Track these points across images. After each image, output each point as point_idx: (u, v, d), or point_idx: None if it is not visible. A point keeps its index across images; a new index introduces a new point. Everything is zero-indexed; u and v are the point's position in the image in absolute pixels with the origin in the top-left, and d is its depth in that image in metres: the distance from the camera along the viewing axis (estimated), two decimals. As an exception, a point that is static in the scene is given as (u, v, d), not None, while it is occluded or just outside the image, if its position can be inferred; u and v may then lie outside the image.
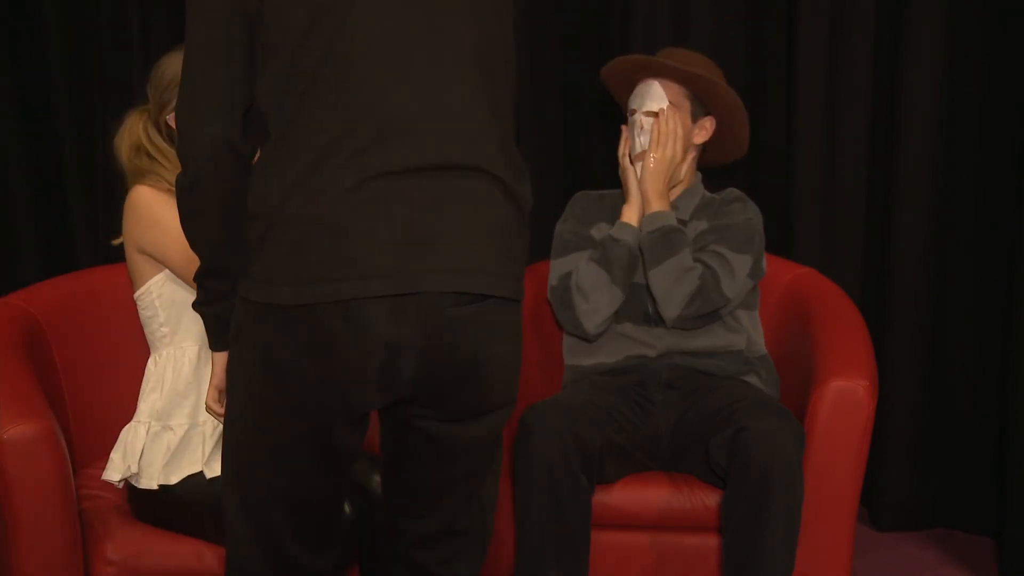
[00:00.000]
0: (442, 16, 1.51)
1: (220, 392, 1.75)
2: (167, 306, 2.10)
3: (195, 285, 1.66)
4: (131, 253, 2.12)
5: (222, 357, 1.71)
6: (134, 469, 2.07)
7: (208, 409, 1.80)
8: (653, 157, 2.41)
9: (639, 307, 2.43)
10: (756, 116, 2.93)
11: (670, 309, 2.35)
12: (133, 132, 2.14)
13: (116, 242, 2.20)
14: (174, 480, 2.04)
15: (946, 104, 2.76)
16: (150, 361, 2.15)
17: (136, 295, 2.14)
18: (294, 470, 1.58)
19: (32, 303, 2.32)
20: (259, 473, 1.59)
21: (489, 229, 1.52)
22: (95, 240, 2.91)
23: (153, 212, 2.06)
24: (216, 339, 1.70)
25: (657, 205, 2.41)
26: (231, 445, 1.62)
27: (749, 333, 2.44)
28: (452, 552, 1.71)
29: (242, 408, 1.58)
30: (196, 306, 1.67)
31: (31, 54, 2.90)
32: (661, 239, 2.37)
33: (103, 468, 2.15)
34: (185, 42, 1.53)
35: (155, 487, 2.05)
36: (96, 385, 2.34)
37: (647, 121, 2.45)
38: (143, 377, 2.15)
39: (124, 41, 2.91)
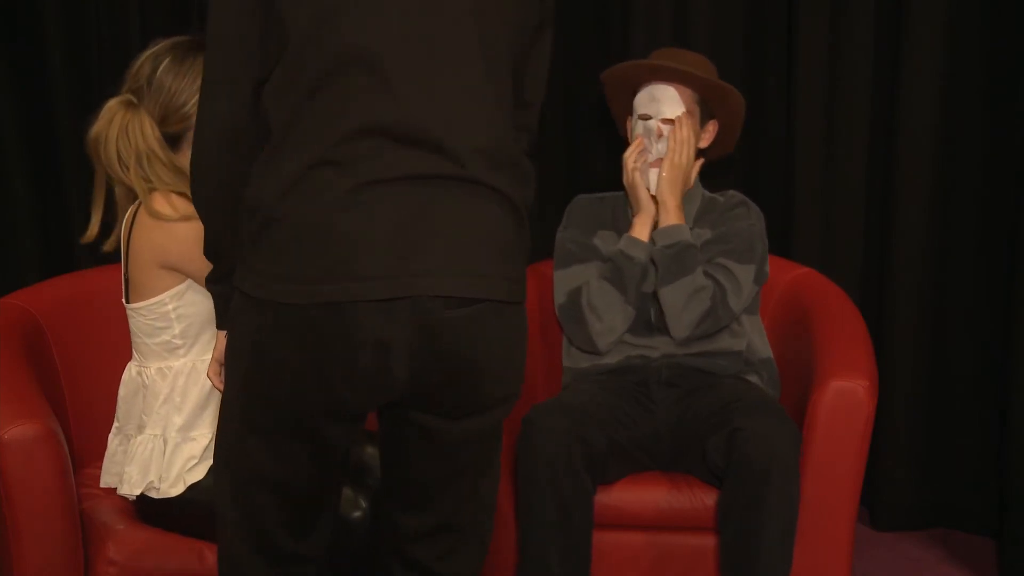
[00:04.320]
0: (448, 25, 1.52)
1: (220, 365, 1.77)
2: (186, 318, 2.04)
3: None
4: (148, 266, 2.03)
5: (224, 333, 1.74)
6: (156, 483, 2.03)
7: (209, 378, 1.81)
8: (670, 166, 2.39)
9: (642, 316, 2.43)
10: (756, 116, 2.93)
11: (680, 329, 2.35)
12: (137, 135, 2.00)
13: (110, 248, 2.13)
14: (191, 480, 2.03)
15: (946, 104, 2.76)
16: (154, 373, 2.07)
17: (140, 305, 2.05)
18: (281, 456, 1.60)
19: (32, 303, 2.32)
20: (247, 455, 1.61)
21: (482, 233, 1.53)
22: (95, 241, 2.90)
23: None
24: (220, 317, 1.74)
25: (674, 217, 2.40)
26: (225, 423, 1.65)
27: (750, 336, 2.44)
28: (450, 548, 1.72)
29: (235, 391, 1.61)
30: (206, 282, 1.73)
31: (31, 58, 2.90)
32: (675, 257, 2.35)
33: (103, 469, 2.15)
34: (206, 31, 1.56)
35: (177, 493, 2.03)
36: (96, 385, 2.33)
37: (665, 128, 2.41)
38: (142, 385, 2.09)
39: (124, 42, 2.91)
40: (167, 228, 1.98)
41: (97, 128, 2.03)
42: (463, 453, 1.65)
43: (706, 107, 2.47)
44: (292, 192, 1.48)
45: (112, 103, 2.04)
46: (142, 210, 2.02)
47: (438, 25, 1.51)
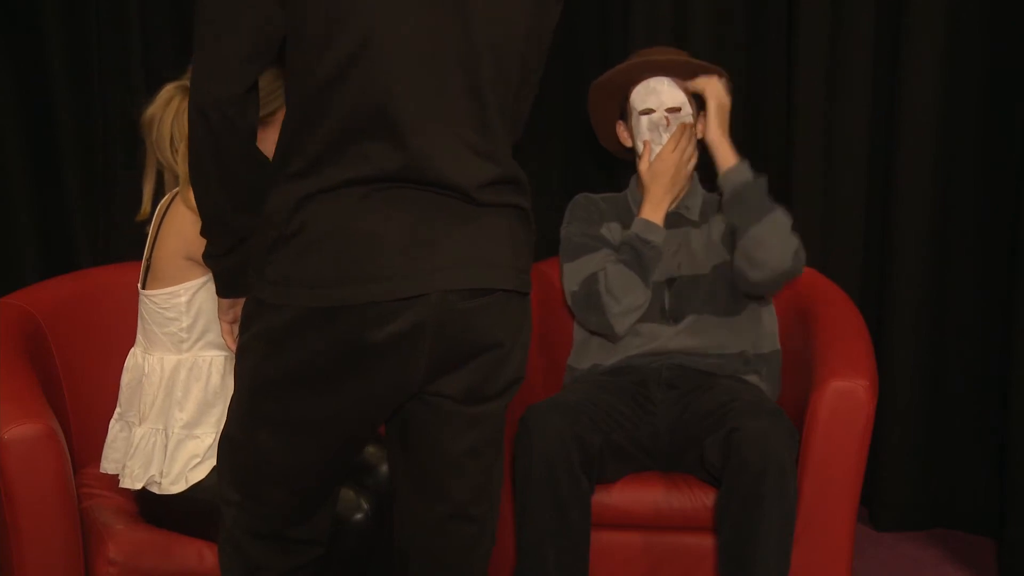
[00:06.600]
0: (456, 72, 1.54)
1: (230, 324, 1.82)
2: (196, 312, 2.05)
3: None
4: (173, 255, 2.04)
5: (228, 302, 1.80)
6: (157, 478, 2.04)
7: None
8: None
9: (655, 304, 2.43)
10: (756, 115, 2.94)
11: (785, 258, 2.34)
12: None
13: (143, 216, 2.12)
14: (193, 480, 2.03)
15: (946, 104, 2.76)
16: (155, 361, 2.08)
17: (155, 292, 2.05)
18: (293, 451, 1.63)
19: (32, 303, 2.32)
20: (257, 446, 1.64)
21: (490, 230, 1.58)
22: (94, 240, 2.91)
23: None
24: (222, 289, 1.76)
25: (733, 158, 2.41)
26: (236, 416, 1.67)
27: (761, 329, 2.45)
28: (468, 541, 1.74)
29: (250, 389, 1.62)
30: (203, 256, 1.73)
31: (31, 57, 2.90)
32: (760, 193, 2.37)
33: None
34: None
35: (179, 491, 2.03)
36: (96, 385, 2.34)
37: (672, 117, 2.44)
38: (144, 372, 2.09)
39: (124, 42, 2.91)
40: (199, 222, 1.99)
41: (152, 110, 2.07)
42: (476, 432, 1.67)
43: (698, 98, 2.48)
44: (307, 204, 1.52)
45: (169, 87, 2.07)
46: (178, 199, 2.03)
47: (448, 69, 1.53)
